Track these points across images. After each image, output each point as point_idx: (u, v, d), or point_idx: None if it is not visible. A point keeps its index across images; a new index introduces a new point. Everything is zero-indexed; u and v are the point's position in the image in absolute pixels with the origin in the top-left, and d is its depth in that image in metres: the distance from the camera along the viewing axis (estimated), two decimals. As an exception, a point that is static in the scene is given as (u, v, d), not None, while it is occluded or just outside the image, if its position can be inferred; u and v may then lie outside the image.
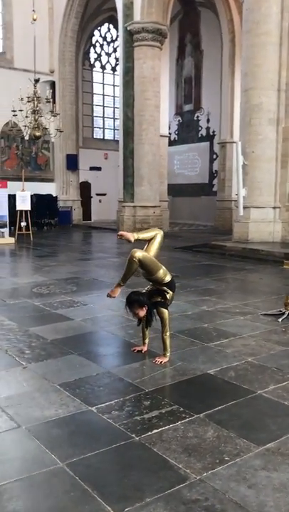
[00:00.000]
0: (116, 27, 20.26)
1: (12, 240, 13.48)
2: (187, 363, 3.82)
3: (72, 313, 5.40)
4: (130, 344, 4.27)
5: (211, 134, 21.25)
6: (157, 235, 3.80)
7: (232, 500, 2.11)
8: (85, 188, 21.99)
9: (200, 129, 21.93)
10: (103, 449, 2.52)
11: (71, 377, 3.52)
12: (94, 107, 23.77)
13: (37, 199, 17.90)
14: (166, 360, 3.84)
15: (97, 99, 23.94)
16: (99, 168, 22.28)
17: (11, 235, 13.92)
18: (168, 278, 3.89)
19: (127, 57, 15.89)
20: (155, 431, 2.72)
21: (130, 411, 2.97)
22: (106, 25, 23.23)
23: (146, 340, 4.11)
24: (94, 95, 23.74)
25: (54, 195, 19.89)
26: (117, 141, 18.24)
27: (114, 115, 23.78)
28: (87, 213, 22.21)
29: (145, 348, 4.09)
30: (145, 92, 15.59)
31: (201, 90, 21.62)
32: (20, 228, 14.24)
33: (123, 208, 16.34)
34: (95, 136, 23.82)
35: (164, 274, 3.86)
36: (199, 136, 22.00)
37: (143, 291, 3.93)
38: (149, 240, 3.87)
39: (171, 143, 22.01)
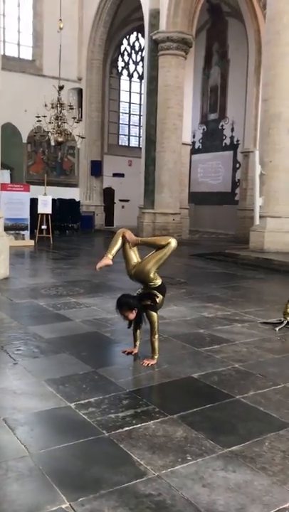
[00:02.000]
0: (144, 36, 20.54)
1: (32, 243, 13.77)
2: (174, 366, 3.88)
3: (73, 314, 5.52)
4: (122, 346, 4.35)
5: (235, 143, 21.22)
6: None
7: (184, 497, 2.16)
8: (108, 194, 22.24)
9: (224, 137, 21.93)
10: (71, 443, 2.61)
11: (57, 374, 3.63)
12: (120, 114, 24.09)
13: (60, 203, 18.21)
14: (153, 362, 3.91)
15: (123, 107, 24.25)
16: (122, 175, 22.52)
17: (32, 237, 14.21)
18: (158, 282, 3.97)
19: (152, 66, 16.10)
20: (126, 428, 2.79)
21: (107, 408, 3.05)
22: (134, 34, 23.54)
23: (138, 343, 4.18)
24: (120, 103, 24.07)
25: (77, 200, 20.19)
26: (141, 149, 18.41)
27: (139, 123, 24.02)
28: (109, 219, 22.44)
29: (136, 351, 4.16)
30: (168, 101, 15.73)
31: (226, 99, 21.62)
32: (41, 231, 14.52)
33: (143, 215, 16.49)
34: (120, 143, 24.11)
35: (155, 277, 3.95)
36: (223, 145, 21.99)
37: (134, 294, 4.01)
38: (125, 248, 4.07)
39: (195, 151, 22.12)
